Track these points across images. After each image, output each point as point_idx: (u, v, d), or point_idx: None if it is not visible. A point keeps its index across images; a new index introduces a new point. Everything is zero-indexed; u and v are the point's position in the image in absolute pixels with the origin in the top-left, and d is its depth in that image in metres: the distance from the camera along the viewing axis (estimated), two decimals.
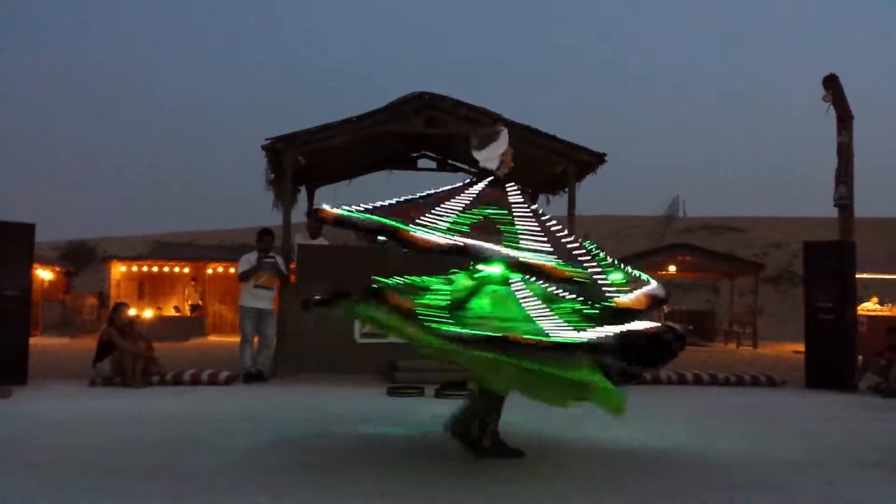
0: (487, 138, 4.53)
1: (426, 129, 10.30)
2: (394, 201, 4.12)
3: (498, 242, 3.84)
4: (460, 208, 4.10)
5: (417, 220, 3.86)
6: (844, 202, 10.31)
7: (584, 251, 4.13)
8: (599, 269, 4.02)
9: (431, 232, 3.79)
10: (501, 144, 4.52)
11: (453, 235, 3.80)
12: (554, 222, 4.35)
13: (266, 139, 9.80)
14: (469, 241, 3.78)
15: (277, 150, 9.87)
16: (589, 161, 10.41)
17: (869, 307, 15.48)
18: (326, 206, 4.00)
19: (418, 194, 4.28)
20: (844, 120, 10.29)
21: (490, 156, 4.50)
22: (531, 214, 4.26)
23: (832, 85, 10.28)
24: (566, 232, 4.32)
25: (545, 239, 4.01)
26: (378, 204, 4.02)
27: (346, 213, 3.93)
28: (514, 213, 4.18)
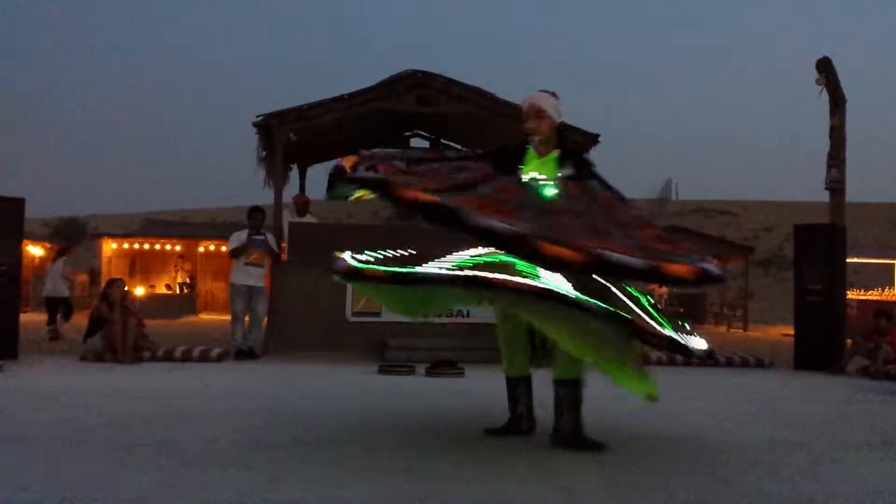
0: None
1: (418, 108, 10.25)
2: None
3: None
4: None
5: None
6: (836, 186, 10.35)
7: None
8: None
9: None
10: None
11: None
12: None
13: (257, 115, 9.76)
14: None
15: (269, 127, 9.82)
16: (581, 142, 10.36)
17: None
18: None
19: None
20: (837, 103, 10.32)
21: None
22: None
23: (825, 68, 10.29)
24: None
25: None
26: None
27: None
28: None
